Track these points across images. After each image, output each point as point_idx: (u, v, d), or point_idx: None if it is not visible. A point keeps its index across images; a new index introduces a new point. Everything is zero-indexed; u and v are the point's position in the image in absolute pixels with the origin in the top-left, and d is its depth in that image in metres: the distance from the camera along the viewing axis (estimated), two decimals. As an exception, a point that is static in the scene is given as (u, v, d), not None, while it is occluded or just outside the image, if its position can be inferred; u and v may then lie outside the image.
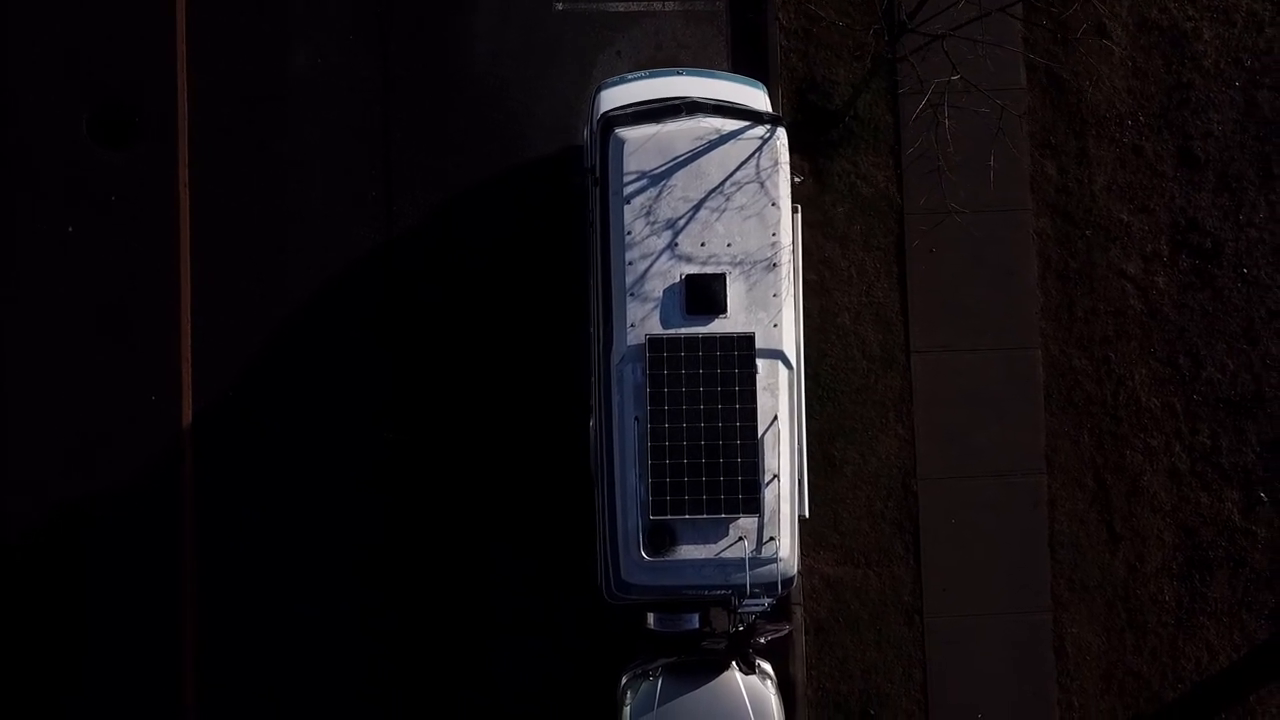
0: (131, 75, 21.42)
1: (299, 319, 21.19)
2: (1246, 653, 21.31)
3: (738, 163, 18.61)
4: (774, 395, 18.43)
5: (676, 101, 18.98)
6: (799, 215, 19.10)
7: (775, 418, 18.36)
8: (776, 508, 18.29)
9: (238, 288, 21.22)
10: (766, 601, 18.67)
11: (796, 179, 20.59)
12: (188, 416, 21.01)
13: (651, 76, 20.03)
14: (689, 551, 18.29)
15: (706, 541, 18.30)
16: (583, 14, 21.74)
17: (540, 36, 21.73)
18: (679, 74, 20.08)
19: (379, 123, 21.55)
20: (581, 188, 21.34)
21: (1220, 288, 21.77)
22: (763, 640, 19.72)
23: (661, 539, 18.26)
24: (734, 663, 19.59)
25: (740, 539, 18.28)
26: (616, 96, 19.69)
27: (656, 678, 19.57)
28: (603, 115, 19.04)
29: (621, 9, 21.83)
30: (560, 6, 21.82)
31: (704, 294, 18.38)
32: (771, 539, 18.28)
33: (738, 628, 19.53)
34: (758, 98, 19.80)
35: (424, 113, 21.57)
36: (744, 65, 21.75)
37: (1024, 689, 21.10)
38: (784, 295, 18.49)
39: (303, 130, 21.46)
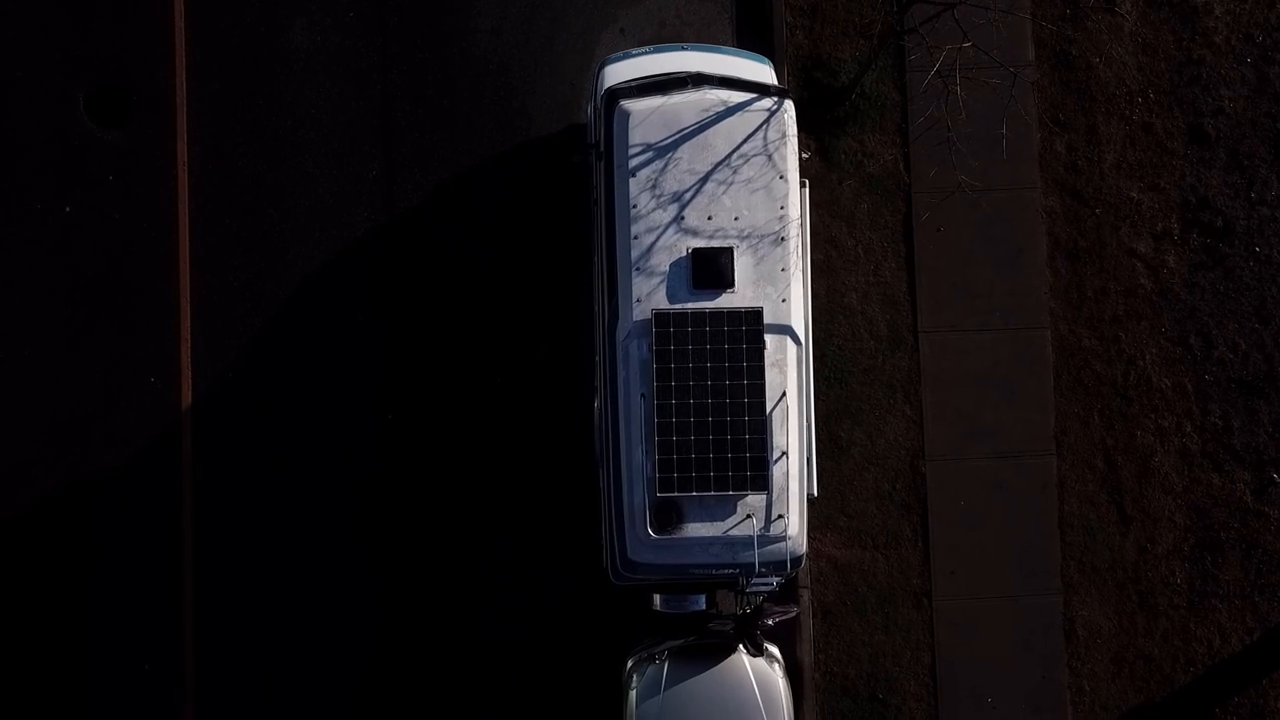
0: (128, 52, 21.23)
1: (298, 299, 20.98)
2: (1259, 636, 21.11)
3: (744, 135, 18.38)
4: (782, 371, 18.20)
5: (682, 74, 18.78)
6: (807, 190, 18.87)
7: (784, 394, 18.13)
8: (785, 485, 18.05)
9: (236, 267, 21.02)
10: (774, 581, 18.44)
11: (804, 155, 20.39)
12: (187, 398, 20.81)
13: (656, 51, 19.84)
14: (696, 529, 18.06)
15: (714, 519, 18.06)
16: (585, -10, 21.59)
17: (542, 13, 21.52)
18: (684, 49, 19.87)
19: (379, 101, 21.33)
20: (584, 166, 21.14)
21: (1231, 266, 21.55)
22: (770, 622, 19.51)
23: (668, 517, 18.03)
24: (741, 646, 19.38)
25: (748, 517, 18.04)
26: (620, 71, 19.50)
27: (663, 661, 19.37)
28: (607, 89, 18.85)
29: (625, -15, 21.68)
30: (563, -18, 21.67)
31: (711, 268, 18.15)
32: (780, 517, 18.05)
33: (745, 610, 19.32)
34: (764, 73, 19.61)
35: (424, 91, 21.36)
36: (749, 43, 21.56)
37: (1034, 672, 20.90)
38: (792, 270, 18.26)
39: (302, 108, 21.25)
